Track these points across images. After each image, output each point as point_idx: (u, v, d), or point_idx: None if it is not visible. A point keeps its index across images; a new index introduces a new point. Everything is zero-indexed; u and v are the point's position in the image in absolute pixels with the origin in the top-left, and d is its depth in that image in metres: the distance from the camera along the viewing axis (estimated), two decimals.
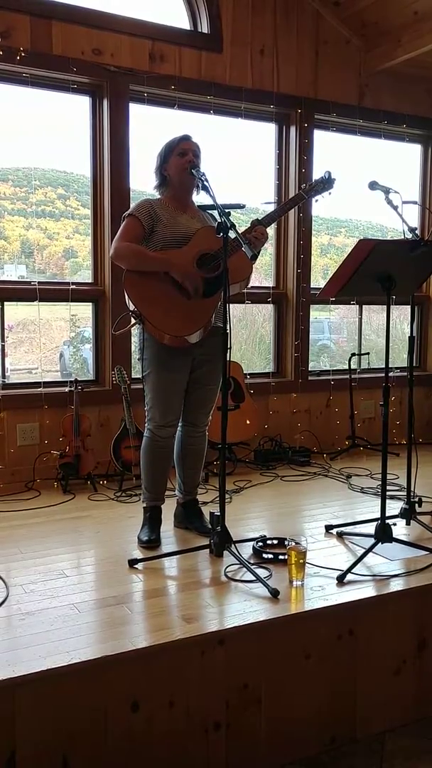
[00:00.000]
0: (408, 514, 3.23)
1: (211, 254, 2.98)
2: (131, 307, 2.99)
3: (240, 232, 2.86)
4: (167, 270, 2.96)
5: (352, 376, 4.96)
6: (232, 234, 2.76)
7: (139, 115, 4.29)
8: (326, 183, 3.17)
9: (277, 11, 4.62)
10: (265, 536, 3.09)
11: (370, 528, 3.00)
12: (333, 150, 5.00)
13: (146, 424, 3.15)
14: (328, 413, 5.04)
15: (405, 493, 3.34)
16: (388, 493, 3.00)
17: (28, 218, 4.40)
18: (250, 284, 3.20)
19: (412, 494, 3.28)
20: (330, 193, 3.21)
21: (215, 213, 2.90)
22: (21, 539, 3.17)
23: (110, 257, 3.15)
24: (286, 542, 2.79)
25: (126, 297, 3.00)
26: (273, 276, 4.95)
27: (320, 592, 2.57)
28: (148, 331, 3.00)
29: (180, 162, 3.04)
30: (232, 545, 2.80)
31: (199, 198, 3.17)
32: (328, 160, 4.85)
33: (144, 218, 3.03)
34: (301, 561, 2.64)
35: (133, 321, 3.03)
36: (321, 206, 3.29)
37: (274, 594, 2.51)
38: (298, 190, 3.35)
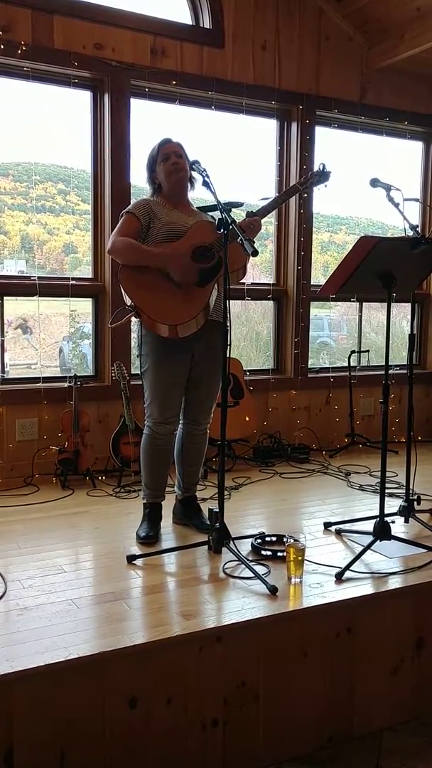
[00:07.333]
0: (407, 512, 3.23)
1: (206, 246, 2.97)
2: (128, 302, 2.99)
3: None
4: (163, 266, 2.96)
5: (352, 374, 4.95)
6: None
7: (141, 110, 4.28)
8: (321, 175, 3.16)
9: (279, 7, 4.60)
10: (263, 533, 3.09)
11: (369, 525, 3.00)
12: (334, 147, 4.99)
13: (146, 421, 3.14)
14: (327, 410, 5.04)
15: (404, 491, 3.34)
16: (387, 490, 3.00)
17: (28, 213, 4.39)
18: (250, 281, 3.19)
19: (410, 492, 3.28)
20: (326, 186, 3.18)
21: (215, 214, 2.90)
22: (19, 534, 3.17)
23: (107, 251, 3.14)
24: (284, 539, 2.79)
25: (122, 291, 3.00)
26: (273, 273, 4.94)
27: (318, 590, 2.57)
28: (145, 324, 3.00)
29: (166, 167, 3.09)
30: (231, 542, 2.80)
31: (199, 194, 3.17)
32: (330, 156, 4.84)
33: (141, 215, 3.04)
34: (300, 558, 2.63)
35: (129, 314, 3.03)
36: (322, 203, 3.28)
37: (273, 591, 2.51)
38: (294, 183, 3.34)
